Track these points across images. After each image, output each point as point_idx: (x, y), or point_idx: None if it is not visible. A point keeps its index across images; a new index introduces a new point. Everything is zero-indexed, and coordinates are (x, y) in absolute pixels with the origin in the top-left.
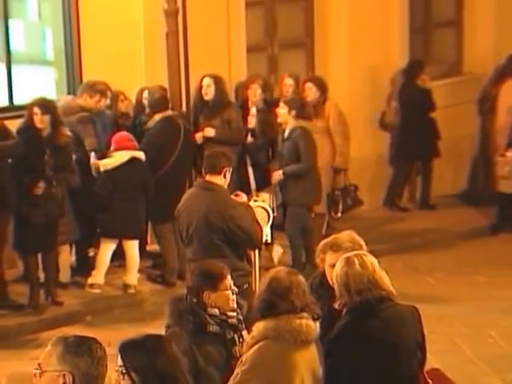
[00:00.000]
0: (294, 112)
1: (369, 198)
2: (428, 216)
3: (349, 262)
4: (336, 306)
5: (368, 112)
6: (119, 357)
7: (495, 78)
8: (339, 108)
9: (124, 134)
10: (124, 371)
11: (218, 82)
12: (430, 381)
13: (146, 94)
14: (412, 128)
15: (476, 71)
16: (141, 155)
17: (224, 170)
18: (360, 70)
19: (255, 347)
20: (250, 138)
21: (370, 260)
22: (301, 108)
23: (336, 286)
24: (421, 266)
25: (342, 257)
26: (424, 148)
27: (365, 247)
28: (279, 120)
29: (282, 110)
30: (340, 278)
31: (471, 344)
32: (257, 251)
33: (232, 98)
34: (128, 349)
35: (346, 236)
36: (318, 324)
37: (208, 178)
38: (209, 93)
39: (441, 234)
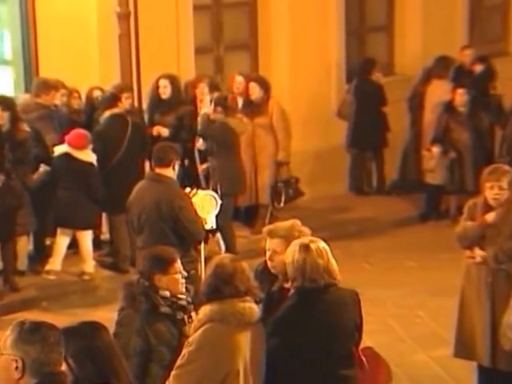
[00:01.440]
0: (219, 109)
1: (309, 189)
2: (363, 205)
3: (307, 249)
4: (286, 285)
5: (307, 109)
6: None
7: (423, 78)
8: (281, 106)
9: (78, 131)
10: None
11: (174, 81)
12: (363, 358)
13: (97, 92)
14: (365, 120)
15: (406, 72)
16: (77, 153)
17: (172, 163)
18: (300, 71)
19: (201, 329)
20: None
21: (325, 248)
22: (225, 104)
23: (291, 270)
24: (357, 252)
25: (299, 242)
26: (376, 138)
27: (309, 235)
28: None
29: (210, 107)
30: (297, 262)
31: (402, 324)
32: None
33: None
34: (64, 335)
35: (287, 224)
36: (260, 307)
37: (157, 170)
38: (166, 92)
39: (375, 223)
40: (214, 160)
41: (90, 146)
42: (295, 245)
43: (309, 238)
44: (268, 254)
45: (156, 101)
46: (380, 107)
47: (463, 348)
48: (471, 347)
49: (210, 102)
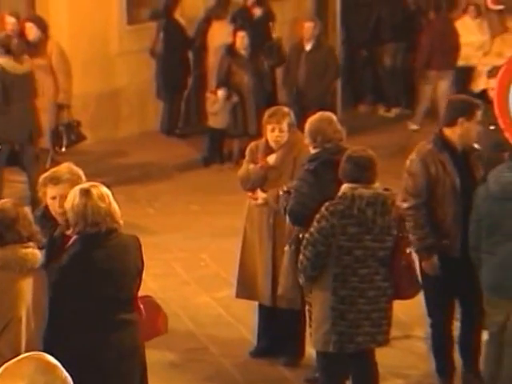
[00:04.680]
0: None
1: (91, 133)
2: (147, 149)
3: (87, 193)
4: (68, 232)
5: (87, 51)
6: None
7: (204, 19)
8: (61, 47)
9: None
10: None
11: None
12: (141, 306)
13: None
14: (171, 61)
15: (188, 13)
16: None
17: None
18: (79, 10)
19: None
20: None
21: (106, 192)
22: (5, 45)
23: (72, 216)
24: (141, 197)
25: (79, 187)
26: (177, 81)
27: (83, 178)
28: None
29: None
30: (77, 207)
31: (185, 267)
32: None
33: None
34: None
35: (64, 168)
36: (42, 252)
37: None
38: None
39: (158, 167)
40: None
41: None
42: (75, 190)
43: (90, 182)
44: (54, 201)
45: None
46: (184, 48)
47: (245, 288)
48: (253, 287)
49: None
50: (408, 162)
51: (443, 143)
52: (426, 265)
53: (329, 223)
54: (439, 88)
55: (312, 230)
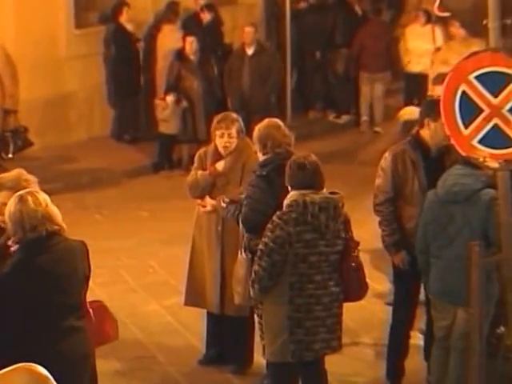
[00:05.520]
0: None
1: (39, 138)
2: (95, 155)
3: (22, 200)
4: (9, 243)
5: (34, 55)
6: None
7: (154, 24)
8: (7, 50)
9: None
10: None
11: None
12: (90, 310)
13: None
14: (123, 68)
15: (137, 18)
16: None
17: None
18: (25, 13)
19: None
20: None
21: (43, 197)
22: None
23: (10, 225)
24: (89, 203)
25: (15, 195)
26: (129, 86)
27: (36, 185)
28: None
29: None
30: (14, 215)
31: (134, 274)
32: None
33: None
34: None
35: (11, 176)
36: None
37: None
38: None
39: (107, 173)
40: None
41: None
42: (12, 198)
43: (26, 189)
44: None
45: None
46: (133, 53)
47: (193, 296)
48: (201, 295)
49: None
50: (382, 159)
51: (417, 143)
52: (395, 260)
53: (284, 232)
54: (373, 90)
55: (266, 240)
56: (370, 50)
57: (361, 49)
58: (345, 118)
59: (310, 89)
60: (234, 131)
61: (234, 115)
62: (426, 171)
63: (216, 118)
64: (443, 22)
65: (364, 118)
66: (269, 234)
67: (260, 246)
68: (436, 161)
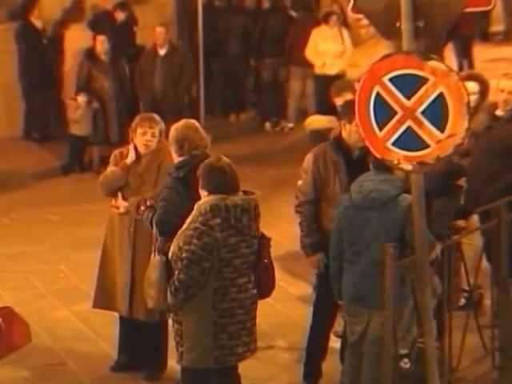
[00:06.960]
0: None
1: None
2: (2, 156)
3: None
4: None
5: None
6: None
7: (61, 22)
8: None
9: None
10: None
11: None
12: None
13: None
14: (33, 64)
15: (45, 15)
16: None
17: None
18: None
19: None
20: None
21: None
22: None
23: None
24: None
25: None
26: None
27: None
28: None
29: None
30: None
31: (43, 279)
32: None
33: None
34: None
35: None
36: None
37: None
38: None
39: (15, 175)
40: None
41: None
42: None
43: None
44: None
45: None
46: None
47: (103, 298)
48: (110, 297)
49: None
50: (305, 160)
51: (338, 145)
52: (311, 262)
53: (211, 238)
54: (306, 86)
55: (193, 248)
56: (303, 45)
57: (292, 44)
58: (269, 124)
59: (219, 92)
60: (157, 131)
61: (158, 117)
62: (348, 172)
63: (139, 116)
64: (349, 24)
65: (290, 125)
66: (195, 241)
67: (185, 255)
68: (358, 162)
